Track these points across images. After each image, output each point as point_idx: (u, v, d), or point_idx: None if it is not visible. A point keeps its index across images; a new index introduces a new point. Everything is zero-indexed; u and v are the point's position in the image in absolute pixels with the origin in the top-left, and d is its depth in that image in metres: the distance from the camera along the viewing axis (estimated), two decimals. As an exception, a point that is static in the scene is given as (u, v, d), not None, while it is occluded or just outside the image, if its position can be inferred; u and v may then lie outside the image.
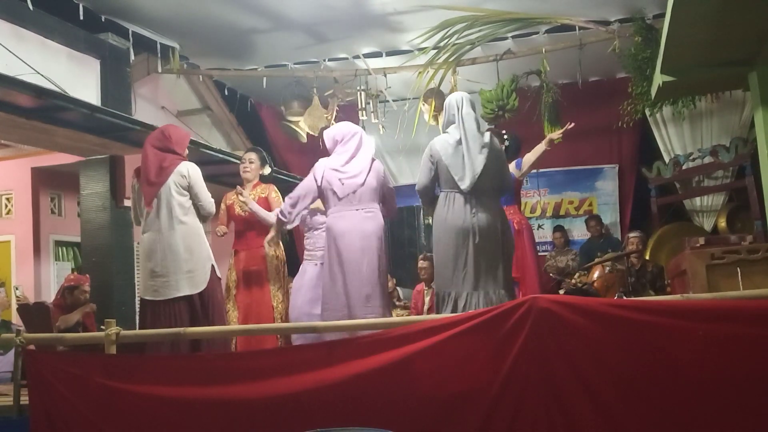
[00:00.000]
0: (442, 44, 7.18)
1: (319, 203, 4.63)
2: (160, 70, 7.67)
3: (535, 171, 6.44)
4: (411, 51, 7.55)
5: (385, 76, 7.76)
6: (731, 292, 3.60)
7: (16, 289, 7.16)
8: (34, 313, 5.69)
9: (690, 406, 2.79)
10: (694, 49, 4.71)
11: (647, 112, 7.42)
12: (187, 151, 4.60)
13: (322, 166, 4.40)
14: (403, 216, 8.56)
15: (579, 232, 8.86)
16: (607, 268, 6.75)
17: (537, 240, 6.27)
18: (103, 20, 6.69)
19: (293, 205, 4.46)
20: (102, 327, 3.63)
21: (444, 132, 4.18)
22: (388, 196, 4.47)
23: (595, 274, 6.87)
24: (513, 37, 7.30)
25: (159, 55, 7.36)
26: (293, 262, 5.78)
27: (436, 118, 7.55)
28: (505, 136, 5.25)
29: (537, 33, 7.25)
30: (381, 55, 7.72)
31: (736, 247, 4.21)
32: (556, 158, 7.42)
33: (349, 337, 3.43)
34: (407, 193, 8.64)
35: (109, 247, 6.74)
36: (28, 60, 5.83)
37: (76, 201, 7.89)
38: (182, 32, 7.20)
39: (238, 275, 5.33)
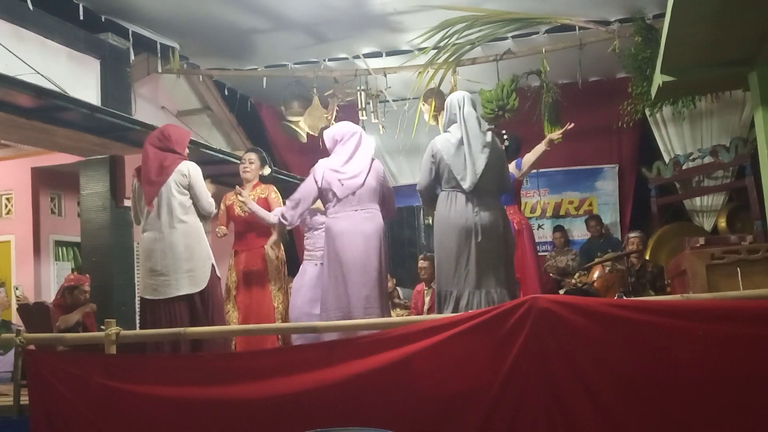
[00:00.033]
0: (442, 44, 7.18)
1: (319, 203, 4.63)
2: (160, 70, 7.67)
3: (535, 171, 6.44)
4: (411, 51, 7.55)
5: (385, 76, 7.76)
6: (731, 292, 3.60)
7: (16, 289, 7.16)
8: (34, 313, 5.69)
9: (690, 406, 2.79)
10: (694, 49, 4.71)
11: (647, 112, 7.42)
12: (187, 151, 4.61)
13: (321, 166, 4.39)
14: (403, 216, 8.56)
15: (579, 232, 8.86)
16: (607, 268, 6.75)
17: (537, 240, 6.27)
18: (103, 20, 6.69)
19: (294, 208, 4.46)
20: (102, 327, 3.63)
21: (445, 131, 4.18)
22: (387, 196, 4.47)
23: (595, 274, 6.87)
24: (513, 37, 7.30)
25: (159, 55, 7.36)
26: (293, 262, 5.78)
27: (436, 118, 7.55)
28: (505, 136, 5.25)
29: (537, 33, 7.25)
30: (381, 55, 7.72)
31: (736, 247, 4.21)
32: (556, 158, 7.42)
33: (349, 337, 3.43)
34: (407, 193, 8.64)
35: (109, 247, 6.74)
36: (28, 60, 5.83)
37: (76, 201, 7.89)
38: (182, 32, 7.20)
39: (238, 276, 5.33)
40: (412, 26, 7.01)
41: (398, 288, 7.45)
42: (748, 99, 6.58)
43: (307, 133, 8.17)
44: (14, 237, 7.99)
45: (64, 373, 3.41)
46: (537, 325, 2.89)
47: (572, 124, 5.27)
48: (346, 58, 7.83)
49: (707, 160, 7.92)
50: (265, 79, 8.08)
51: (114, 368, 3.38)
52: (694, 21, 4.25)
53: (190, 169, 4.44)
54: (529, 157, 5.25)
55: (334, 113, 7.88)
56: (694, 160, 8.05)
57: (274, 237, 5.08)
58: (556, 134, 5.32)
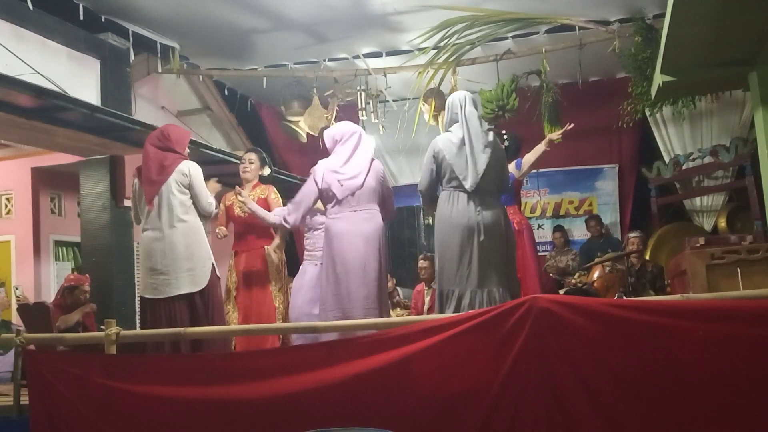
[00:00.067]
0: (442, 44, 7.18)
1: (319, 203, 4.63)
2: (160, 70, 7.67)
3: (535, 171, 6.44)
4: (411, 51, 7.55)
5: (385, 76, 7.76)
6: (731, 292, 3.60)
7: (16, 289, 7.16)
8: (34, 313, 5.69)
9: (690, 406, 2.79)
10: (694, 49, 4.71)
11: (647, 112, 7.42)
12: (188, 150, 4.61)
13: (321, 167, 4.39)
14: (403, 216, 8.56)
15: (579, 232, 8.86)
16: (607, 268, 6.75)
17: (537, 240, 6.27)
18: (103, 20, 6.69)
19: (296, 211, 4.47)
20: (102, 327, 3.63)
21: (447, 131, 4.18)
22: (386, 197, 4.46)
23: (595, 274, 6.87)
24: (513, 37, 7.30)
25: (159, 55, 7.36)
26: (293, 262, 5.78)
27: (436, 118, 7.55)
28: (505, 136, 5.25)
29: (537, 33, 7.25)
30: (381, 55, 7.72)
31: (736, 247, 4.21)
32: (556, 158, 7.43)
33: (349, 337, 3.43)
34: (407, 193, 8.65)
35: (109, 247, 6.74)
36: (28, 60, 5.83)
37: (76, 201, 7.89)
38: (182, 32, 7.20)
39: (238, 276, 5.33)
40: (412, 26, 7.01)
41: (398, 288, 7.45)
42: (748, 99, 6.59)
43: (307, 133, 8.17)
44: (14, 237, 7.99)
45: (64, 373, 3.41)
46: (537, 325, 2.89)
47: (572, 125, 5.27)
48: (346, 58, 7.83)
49: (707, 160, 7.92)
50: (265, 79, 8.08)
51: (114, 368, 3.38)
52: (694, 21, 4.25)
53: (190, 169, 4.45)
54: (529, 158, 5.25)
55: (334, 113, 7.88)
56: (694, 160, 8.05)
57: (277, 241, 5.08)
58: (555, 135, 5.32)
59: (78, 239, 7.22)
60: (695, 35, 4.47)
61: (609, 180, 8.95)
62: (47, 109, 5.61)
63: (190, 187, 4.43)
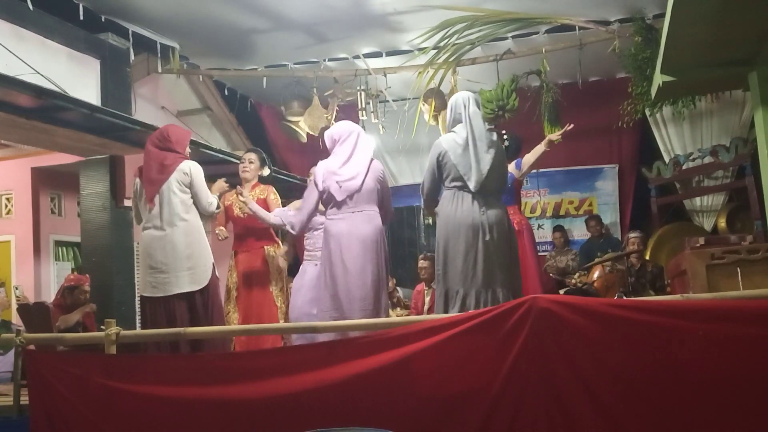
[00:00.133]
0: (442, 44, 7.18)
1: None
2: (160, 70, 7.67)
3: (535, 171, 6.44)
4: (411, 51, 7.55)
5: (385, 76, 7.76)
6: (731, 292, 3.60)
7: (16, 289, 7.16)
8: (34, 313, 5.69)
9: (690, 406, 2.79)
10: (694, 49, 4.71)
11: (647, 112, 7.42)
12: (189, 150, 4.62)
13: (321, 169, 4.38)
14: (403, 216, 8.57)
15: (579, 232, 8.86)
16: (607, 268, 6.75)
17: (537, 240, 6.27)
18: (103, 20, 6.69)
19: (299, 217, 4.51)
20: (102, 327, 3.63)
21: (450, 131, 4.18)
22: (385, 197, 4.45)
23: (595, 274, 6.87)
24: (513, 37, 7.30)
25: (159, 55, 7.36)
26: (294, 262, 5.78)
27: (436, 118, 7.55)
28: (505, 136, 5.25)
29: (537, 33, 7.25)
30: (381, 55, 7.72)
31: (736, 247, 4.21)
32: (556, 158, 7.43)
33: (349, 337, 3.43)
34: (407, 193, 8.66)
35: (109, 247, 6.74)
36: (28, 60, 5.83)
37: (76, 201, 7.89)
38: (182, 32, 7.20)
39: (238, 277, 5.33)
40: (412, 26, 7.01)
41: (398, 288, 7.45)
42: (748, 99, 6.58)
43: (307, 133, 8.17)
44: (14, 237, 7.99)
45: (64, 373, 3.41)
46: (537, 325, 2.89)
47: (572, 125, 5.27)
48: (346, 58, 7.83)
49: (707, 160, 7.92)
50: (265, 79, 8.08)
51: (114, 368, 3.38)
52: (694, 21, 4.24)
53: (191, 168, 4.46)
54: (529, 158, 5.25)
55: (334, 113, 7.88)
56: (694, 160, 8.05)
57: (285, 247, 5.07)
58: (555, 135, 5.32)
59: (78, 239, 7.22)
60: (695, 35, 4.47)
61: (609, 180, 8.95)
62: (47, 109, 5.61)
63: (191, 187, 4.45)
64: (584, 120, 6.90)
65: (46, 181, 8.01)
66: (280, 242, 5.52)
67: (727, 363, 2.76)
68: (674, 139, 8.29)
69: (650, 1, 6.56)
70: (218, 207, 4.69)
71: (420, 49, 7.36)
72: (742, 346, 2.76)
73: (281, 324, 5.07)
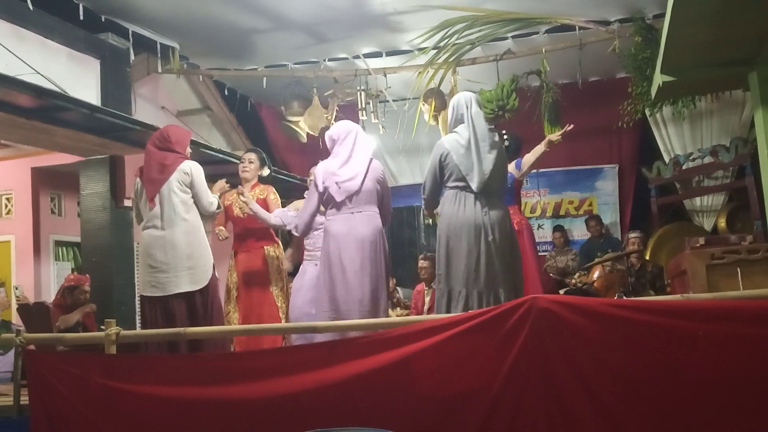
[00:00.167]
0: (442, 44, 7.18)
1: (319, 204, 4.64)
2: (160, 70, 7.68)
3: (535, 171, 6.44)
4: (411, 51, 7.55)
5: (385, 76, 7.76)
6: (731, 292, 3.60)
7: (16, 289, 7.16)
8: (34, 313, 5.69)
9: (690, 406, 2.79)
10: (694, 49, 4.71)
11: (647, 112, 7.42)
12: (189, 150, 4.63)
13: (321, 169, 4.38)
14: (403, 216, 8.57)
15: (579, 232, 8.86)
16: (607, 268, 6.75)
17: (537, 240, 6.26)
18: (103, 20, 6.69)
19: (302, 219, 4.52)
20: (102, 327, 3.63)
21: (451, 131, 4.18)
22: (384, 198, 4.44)
23: (595, 274, 6.87)
24: (513, 37, 7.30)
25: (159, 55, 7.36)
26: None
27: (436, 118, 7.55)
28: (505, 136, 5.25)
29: (537, 33, 7.25)
30: (381, 55, 7.72)
31: (736, 247, 4.21)
32: (556, 158, 7.43)
33: (349, 337, 3.43)
34: (407, 193, 8.66)
35: (109, 247, 6.74)
36: (28, 60, 5.83)
37: (76, 201, 7.89)
38: (182, 32, 7.20)
39: (238, 276, 5.33)
40: (412, 26, 7.01)
41: (398, 288, 7.45)
42: (748, 99, 6.58)
43: (307, 133, 8.17)
44: (14, 237, 7.99)
45: (64, 373, 3.41)
46: (537, 325, 2.89)
47: (572, 126, 5.27)
48: (346, 58, 7.83)
49: (707, 160, 7.92)
50: (265, 79, 8.08)
51: (114, 368, 3.38)
52: (694, 21, 4.24)
53: (192, 168, 4.47)
54: (529, 158, 5.25)
55: (334, 113, 7.88)
56: (694, 160, 8.05)
57: (290, 250, 5.06)
58: (555, 135, 5.31)
59: (78, 239, 7.22)
60: (695, 35, 4.47)
61: (609, 180, 8.95)
62: (47, 109, 5.61)
63: (191, 186, 4.46)
64: (584, 120, 6.90)
65: (46, 181, 8.01)
66: (280, 242, 5.52)
67: (727, 363, 2.76)
68: (674, 139, 8.29)
69: (650, 1, 6.56)
70: (219, 207, 4.69)
71: (420, 49, 7.36)
72: (742, 346, 2.76)
73: (281, 324, 5.07)
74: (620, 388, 2.84)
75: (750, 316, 2.81)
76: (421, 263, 6.64)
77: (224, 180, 4.97)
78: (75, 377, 3.38)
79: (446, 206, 4.06)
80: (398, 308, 6.79)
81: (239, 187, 5.24)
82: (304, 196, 5.38)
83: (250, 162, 5.40)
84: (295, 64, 8.00)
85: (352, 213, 4.28)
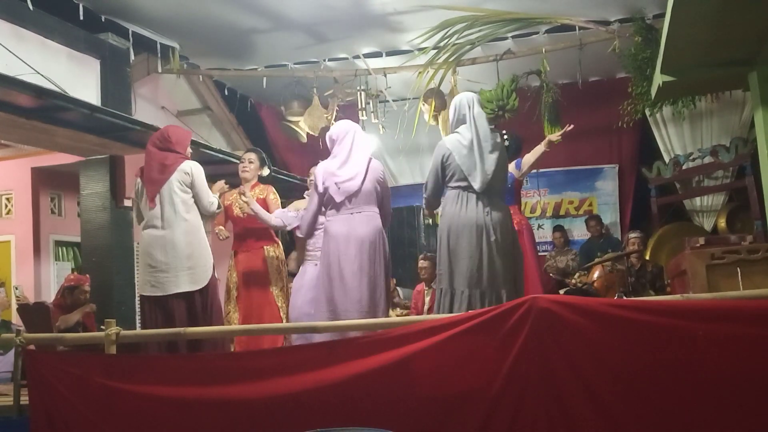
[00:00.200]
0: (442, 44, 7.18)
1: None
2: (160, 70, 7.68)
3: (535, 171, 6.44)
4: (411, 51, 7.55)
5: (385, 76, 7.75)
6: (731, 292, 3.60)
7: (16, 289, 7.16)
8: (34, 313, 5.69)
9: (690, 406, 2.79)
10: (694, 49, 4.71)
11: (647, 112, 7.42)
12: (190, 151, 4.63)
13: (320, 170, 4.38)
14: (403, 216, 8.56)
15: (579, 232, 8.86)
16: (607, 268, 6.75)
17: (537, 240, 6.27)
18: (103, 20, 6.69)
19: (305, 220, 4.52)
20: (102, 327, 3.63)
21: (453, 131, 4.18)
22: (385, 199, 4.44)
23: (595, 274, 6.87)
24: (513, 37, 7.30)
25: (159, 55, 7.36)
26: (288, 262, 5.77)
27: (436, 118, 7.55)
28: (505, 136, 5.25)
29: (537, 33, 7.25)
30: (381, 55, 7.72)
31: (736, 247, 4.21)
32: (556, 158, 7.43)
33: (350, 337, 3.43)
34: (407, 193, 8.65)
35: (109, 247, 6.75)
36: (28, 60, 5.83)
37: (76, 201, 7.89)
38: (182, 32, 7.20)
39: (238, 276, 5.33)
40: (412, 26, 7.01)
41: (398, 288, 7.45)
42: (748, 99, 6.58)
43: (307, 133, 8.17)
44: (14, 237, 7.99)
45: (64, 373, 3.41)
46: (537, 325, 2.89)
47: (572, 126, 5.27)
48: (346, 58, 7.83)
49: (707, 160, 7.92)
50: (265, 79, 8.08)
51: (114, 368, 3.38)
52: (694, 21, 4.24)
53: (192, 168, 4.48)
54: (529, 158, 5.26)
55: (334, 113, 7.88)
56: (694, 160, 8.05)
57: (294, 252, 5.06)
58: (555, 135, 5.32)
59: (78, 239, 7.22)
60: (695, 35, 4.47)
61: (609, 180, 8.95)
62: (47, 109, 5.61)
63: (192, 186, 4.46)
64: (584, 120, 6.90)
65: (46, 181, 8.01)
66: (279, 242, 5.52)
67: (727, 363, 2.76)
68: (674, 139, 8.29)
69: (650, 1, 6.56)
70: (219, 207, 4.70)
71: (420, 49, 7.36)
72: (742, 346, 2.76)
73: (281, 324, 5.06)
74: (620, 388, 2.84)
75: (750, 316, 2.81)
76: (421, 263, 6.63)
77: (223, 181, 4.97)
78: (75, 377, 3.38)
79: (448, 206, 4.06)
80: (398, 308, 6.79)
81: (240, 187, 5.24)
82: (304, 196, 5.40)
83: (250, 162, 5.40)
84: (295, 64, 8.00)
85: (351, 213, 4.28)
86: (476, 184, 3.98)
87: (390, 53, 7.70)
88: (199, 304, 4.36)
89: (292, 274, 5.50)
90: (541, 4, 6.73)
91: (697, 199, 8.30)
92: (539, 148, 5.21)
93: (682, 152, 8.16)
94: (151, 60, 7.70)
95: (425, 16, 6.73)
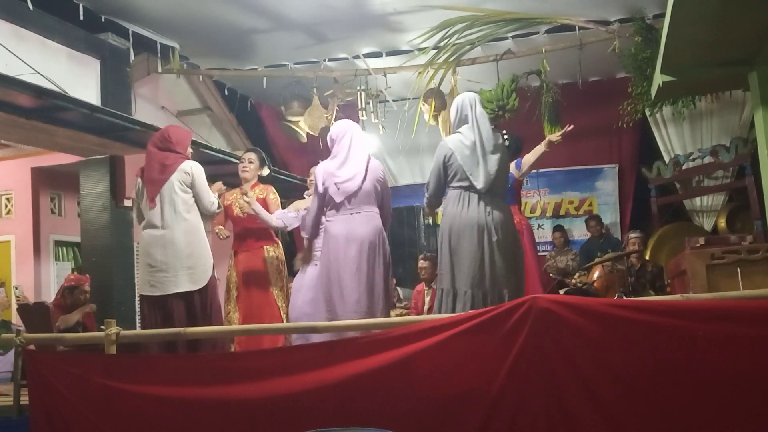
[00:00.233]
0: (442, 44, 7.18)
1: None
2: (160, 70, 7.68)
3: (535, 171, 6.45)
4: (411, 51, 7.55)
5: (385, 76, 7.75)
6: (731, 292, 3.60)
7: (16, 289, 7.16)
8: (34, 313, 5.69)
9: (690, 406, 2.79)
10: (694, 49, 4.71)
11: (647, 112, 7.42)
12: (190, 151, 4.63)
13: (320, 170, 4.37)
14: (403, 216, 8.55)
15: (579, 232, 8.86)
16: (607, 268, 6.75)
17: (537, 240, 6.27)
18: (103, 20, 6.69)
19: (309, 221, 4.53)
20: (102, 327, 3.64)
21: (455, 131, 4.18)
22: (385, 198, 4.43)
23: (595, 274, 6.87)
24: (513, 37, 7.30)
25: (159, 55, 7.37)
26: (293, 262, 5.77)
27: (436, 118, 7.55)
28: (506, 136, 5.25)
29: (537, 33, 7.25)
30: (381, 55, 7.72)
31: (736, 247, 4.21)
32: (556, 158, 7.42)
33: (350, 337, 3.43)
34: (407, 193, 8.66)
35: (109, 247, 6.74)
36: (28, 60, 5.83)
37: (76, 201, 7.89)
38: (182, 32, 7.20)
39: (238, 276, 5.33)
40: (412, 26, 7.01)
41: (398, 288, 7.45)
42: (748, 99, 6.58)
43: (307, 133, 8.17)
44: (14, 237, 7.99)
45: (64, 373, 3.41)
46: (537, 325, 2.89)
47: (572, 126, 5.27)
48: (346, 58, 7.83)
49: (707, 160, 7.92)
50: (265, 79, 8.08)
51: (114, 368, 3.38)
52: (694, 21, 4.24)
53: (193, 168, 4.48)
54: (529, 158, 5.26)
55: (334, 113, 7.88)
56: (694, 160, 8.05)
57: (303, 253, 5.05)
58: (555, 136, 5.32)
59: (78, 239, 7.22)
60: (695, 35, 4.47)
61: (609, 180, 8.95)
62: (47, 109, 5.60)
63: (192, 186, 4.46)
64: (584, 120, 6.91)
65: (46, 181, 8.01)
66: (279, 242, 5.52)
67: (727, 363, 2.76)
68: (674, 139, 8.29)
69: (650, 1, 6.56)
70: (219, 207, 4.70)
71: (420, 49, 7.36)
72: (742, 346, 2.76)
73: (281, 324, 5.06)
74: (620, 388, 2.84)
75: (750, 316, 2.81)
76: (421, 263, 6.63)
77: (221, 182, 4.97)
78: (75, 377, 3.38)
79: (450, 206, 4.06)
80: (398, 308, 6.79)
81: (242, 186, 5.24)
82: (304, 196, 5.40)
83: (250, 162, 5.40)
84: (295, 64, 8.00)
85: (351, 214, 4.27)
86: (479, 184, 3.98)
87: (390, 53, 7.70)
88: (198, 304, 4.36)
89: (290, 274, 5.51)
90: (541, 4, 6.73)
91: (697, 199, 8.30)
92: (539, 148, 5.21)
93: (682, 152, 8.16)
94: (151, 60, 7.70)
95: (425, 16, 6.73)
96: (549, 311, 2.90)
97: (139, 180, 4.56)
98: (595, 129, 8.32)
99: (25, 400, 3.50)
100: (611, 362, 2.86)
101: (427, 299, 6.37)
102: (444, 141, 4.17)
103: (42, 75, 5.82)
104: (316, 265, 4.85)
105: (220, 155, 7.24)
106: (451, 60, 7.33)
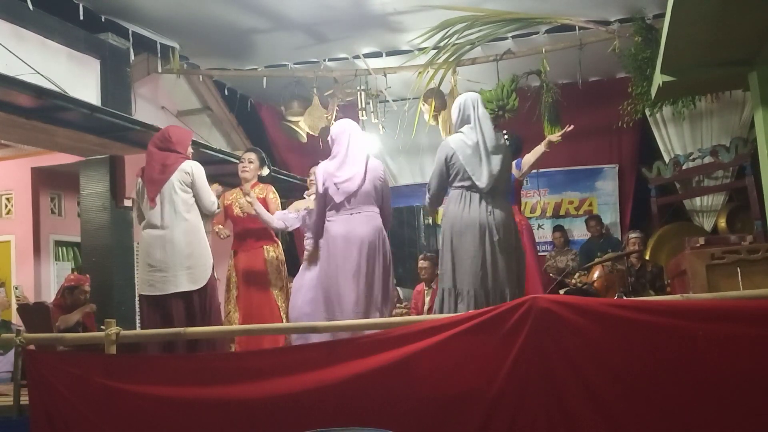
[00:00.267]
0: (442, 44, 7.18)
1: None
2: (160, 70, 7.67)
3: (535, 171, 6.44)
4: (411, 51, 7.55)
5: (385, 76, 7.75)
6: (731, 292, 3.60)
7: (16, 289, 7.16)
8: (34, 313, 5.69)
9: (690, 406, 2.79)
10: (694, 49, 4.71)
11: (647, 112, 7.42)
12: (191, 150, 4.63)
13: (321, 171, 4.37)
14: (403, 216, 8.56)
15: (579, 232, 8.86)
16: (607, 268, 6.75)
17: (537, 240, 6.27)
18: (103, 20, 6.69)
19: (312, 222, 4.55)
20: (102, 327, 3.64)
21: (457, 131, 4.18)
22: (385, 199, 4.42)
23: (595, 274, 6.87)
24: (513, 37, 7.30)
25: (159, 55, 7.36)
26: (294, 262, 5.78)
27: (436, 118, 7.54)
28: (506, 136, 5.25)
29: (537, 33, 7.25)
30: (381, 55, 7.72)
31: (736, 247, 4.21)
32: (556, 158, 7.42)
33: (349, 337, 3.43)
34: (407, 193, 8.65)
35: (109, 247, 6.74)
36: (28, 60, 5.83)
37: (76, 201, 7.89)
38: (182, 32, 7.20)
39: (238, 276, 5.33)
40: (412, 26, 7.01)
41: (398, 288, 7.44)
42: (748, 99, 6.58)
43: (307, 133, 8.17)
44: (14, 237, 7.99)
45: (64, 373, 3.41)
46: (537, 325, 2.89)
47: (572, 126, 5.27)
48: (346, 58, 7.83)
49: (707, 160, 7.92)
50: (265, 79, 8.08)
51: (114, 368, 3.38)
52: (694, 21, 4.24)
53: (193, 168, 4.49)
54: (529, 158, 5.26)
55: (334, 113, 7.88)
56: (694, 160, 8.05)
57: (310, 253, 5.04)
58: (555, 136, 5.32)
59: (78, 239, 7.22)
60: (695, 35, 4.47)
61: (609, 180, 8.95)
62: (47, 109, 5.61)
63: (192, 186, 4.46)
64: (584, 120, 6.90)
65: (46, 181, 8.01)
66: (279, 242, 5.52)
67: (727, 363, 2.76)
68: (674, 139, 8.29)
69: (650, 1, 6.56)
70: (219, 207, 4.70)
71: (420, 49, 7.36)
72: (742, 346, 2.76)
73: (281, 324, 5.07)
74: (620, 388, 2.84)
75: (750, 316, 2.81)
76: (421, 263, 6.64)
77: (217, 184, 4.97)
78: (75, 377, 3.38)
79: (451, 206, 4.07)
80: (398, 308, 6.79)
81: (243, 186, 5.24)
82: (304, 196, 5.40)
83: (250, 162, 5.40)
84: (295, 64, 8.00)
85: (351, 214, 4.27)
86: (482, 184, 3.98)
87: (390, 53, 7.70)
88: (197, 304, 4.36)
89: (290, 274, 5.51)
90: (541, 4, 6.73)
91: (697, 199, 8.30)
92: (539, 149, 5.21)
93: (682, 152, 8.16)
94: (151, 60, 7.70)
95: (425, 16, 6.73)
96: (549, 311, 2.90)
97: (140, 180, 4.56)
98: (595, 129, 8.32)
99: (25, 400, 3.50)
100: (611, 362, 2.86)
101: (427, 299, 6.37)
102: (446, 141, 4.18)
103: (42, 75, 5.82)
104: (316, 265, 4.86)
105: (220, 155, 7.24)
106: (451, 60, 7.33)
